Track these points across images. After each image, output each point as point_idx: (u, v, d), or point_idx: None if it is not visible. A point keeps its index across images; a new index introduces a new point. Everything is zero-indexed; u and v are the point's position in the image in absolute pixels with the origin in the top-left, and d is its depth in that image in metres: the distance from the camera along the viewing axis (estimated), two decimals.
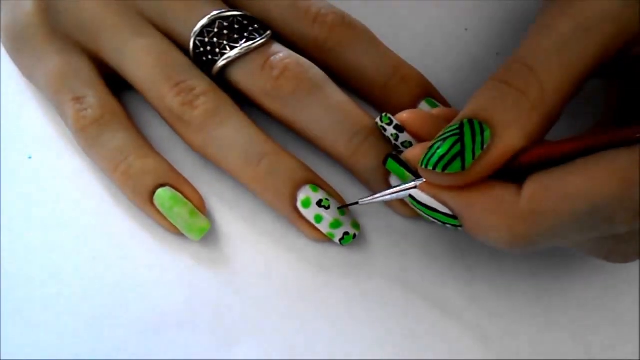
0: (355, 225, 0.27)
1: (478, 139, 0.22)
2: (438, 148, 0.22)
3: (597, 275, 0.27)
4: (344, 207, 0.27)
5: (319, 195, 0.27)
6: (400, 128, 0.26)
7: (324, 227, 0.27)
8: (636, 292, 0.27)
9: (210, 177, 0.29)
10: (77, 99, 0.28)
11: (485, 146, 0.21)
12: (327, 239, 0.27)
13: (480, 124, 0.22)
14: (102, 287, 0.26)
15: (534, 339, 0.26)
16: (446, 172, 0.22)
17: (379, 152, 0.27)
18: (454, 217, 0.23)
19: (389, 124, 0.26)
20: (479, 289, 0.27)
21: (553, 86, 0.22)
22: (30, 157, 0.29)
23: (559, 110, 0.22)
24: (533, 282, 0.27)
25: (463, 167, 0.22)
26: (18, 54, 0.30)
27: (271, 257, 0.27)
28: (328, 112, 0.27)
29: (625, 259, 0.24)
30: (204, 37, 0.28)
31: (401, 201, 0.28)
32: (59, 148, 0.29)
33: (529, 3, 0.36)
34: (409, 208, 0.28)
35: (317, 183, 0.27)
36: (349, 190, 0.28)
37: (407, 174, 0.25)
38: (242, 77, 0.28)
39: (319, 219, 0.27)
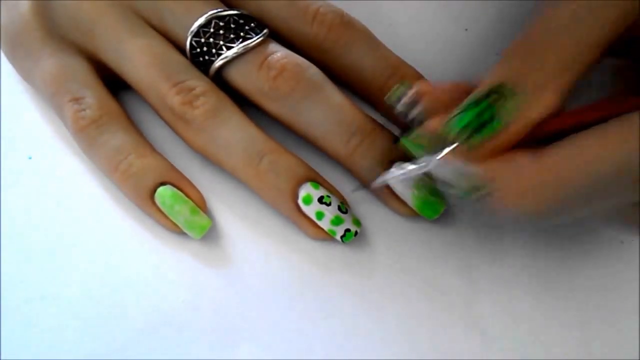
0: (357, 222, 0.27)
1: (510, 101, 0.21)
2: (466, 111, 0.22)
3: (598, 275, 0.27)
4: (356, 191, 0.27)
5: (320, 192, 0.27)
6: (412, 104, 0.25)
7: (325, 224, 0.27)
8: (636, 292, 0.27)
9: (211, 177, 0.29)
10: (76, 100, 0.28)
11: (517, 109, 0.21)
12: (328, 236, 0.27)
13: (512, 87, 0.22)
14: (102, 287, 0.26)
15: (534, 339, 0.26)
16: (479, 135, 0.22)
17: (377, 152, 0.27)
18: (469, 190, 0.23)
19: (402, 97, 0.25)
20: (480, 288, 0.27)
21: (575, 50, 0.22)
22: (30, 157, 0.29)
23: (584, 73, 0.22)
24: (534, 282, 0.27)
25: (495, 131, 0.22)
26: (15, 56, 0.30)
27: (272, 257, 0.27)
28: (326, 112, 0.27)
29: None
30: (201, 38, 0.28)
31: (401, 201, 0.28)
32: (59, 148, 0.29)
33: (528, 3, 0.36)
34: (409, 208, 0.28)
35: (318, 181, 0.27)
36: (349, 190, 0.28)
37: (421, 151, 0.25)
38: (239, 77, 0.28)
39: (320, 215, 0.27)
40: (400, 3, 0.33)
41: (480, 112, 0.22)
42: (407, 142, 0.25)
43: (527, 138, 0.22)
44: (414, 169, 0.24)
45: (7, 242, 0.27)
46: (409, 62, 0.30)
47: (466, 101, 0.22)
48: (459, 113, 0.22)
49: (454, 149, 0.23)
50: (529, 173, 0.21)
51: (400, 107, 0.25)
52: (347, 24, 0.29)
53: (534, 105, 0.21)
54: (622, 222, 0.24)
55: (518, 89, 0.22)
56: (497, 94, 0.22)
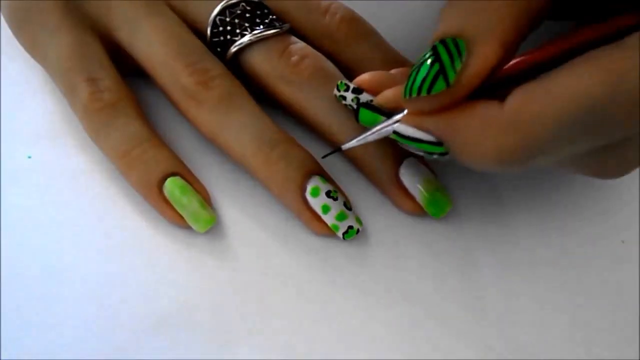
0: (359, 221, 0.27)
1: (454, 53, 0.21)
2: (417, 73, 0.22)
3: (598, 275, 0.27)
4: (327, 156, 0.27)
5: (328, 186, 0.27)
6: (358, 90, 0.26)
7: (329, 219, 0.27)
8: (636, 292, 0.27)
9: (215, 177, 0.29)
10: (93, 80, 0.28)
11: (463, 59, 0.21)
12: (330, 232, 0.27)
13: (454, 40, 0.21)
14: (102, 287, 0.26)
15: (534, 340, 0.26)
16: (432, 93, 0.21)
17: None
18: (440, 144, 0.22)
19: (347, 90, 0.27)
20: (479, 289, 0.27)
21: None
22: (30, 157, 0.29)
23: (527, 20, 0.21)
24: (533, 283, 0.27)
25: (447, 84, 0.21)
26: (23, 27, 0.29)
27: (273, 258, 0.27)
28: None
29: (621, 171, 0.22)
30: (225, 17, 0.28)
31: (408, 197, 0.28)
32: (59, 148, 0.29)
33: None
34: (415, 204, 0.28)
35: (326, 177, 0.27)
36: (351, 190, 0.28)
37: (382, 117, 0.25)
38: (259, 60, 0.28)
39: (326, 209, 0.27)
40: (400, 4, 0.33)
41: (430, 66, 0.21)
42: (365, 115, 0.25)
43: (487, 83, 0.21)
44: (380, 129, 0.24)
45: (7, 242, 0.27)
46: (412, 62, 0.30)
47: (417, 61, 0.22)
48: (412, 72, 0.22)
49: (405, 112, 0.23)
50: (491, 121, 0.21)
51: (348, 100, 0.26)
52: (357, 20, 0.30)
53: (474, 56, 0.21)
54: (578, 172, 0.23)
55: (460, 37, 0.21)
56: (444, 45, 0.21)
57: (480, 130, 0.21)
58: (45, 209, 0.28)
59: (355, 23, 0.30)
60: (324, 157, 0.27)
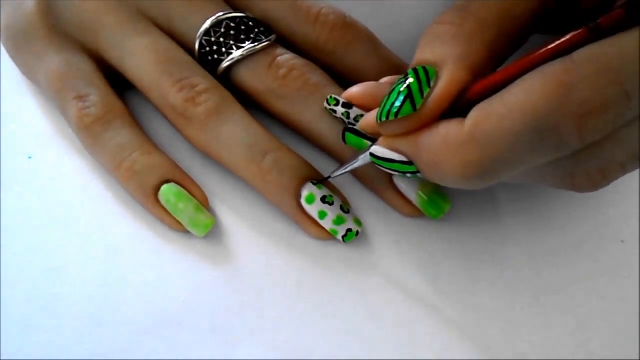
0: (358, 222, 0.27)
1: (423, 78, 0.22)
2: (388, 99, 0.23)
3: (597, 275, 0.28)
4: (320, 182, 0.27)
5: (323, 191, 0.27)
6: (348, 105, 0.27)
7: (327, 224, 0.27)
8: (636, 292, 0.27)
9: (212, 177, 0.29)
10: (80, 97, 0.28)
11: (432, 84, 0.22)
12: (329, 236, 0.27)
13: (424, 67, 0.22)
14: (102, 287, 0.26)
15: (534, 340, 0.26)
16: (399, 117, 0.22)
17: None
18: (410, 163, 0.23)
19: (337, 104, 0.27)
20: (478, 288, 0.27)
21: (490, 18, 0.22)
22: (30, 157, 0.29)
23: (502, 44, 0.23)
24: (533, 283, 0.27)
25: (414, 108, 0.22)
26: (19, 54, 0.30)
27: (272, 257, 0.27)
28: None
29: (592, 183, 0.22)
30: (211, 37, 0.28)
31: (405, 200, 0.28)
32: (59, 148, 0.29)
33: None
34: (413, 207, 0.28)
35: (320, 181, 0.27)
36: (350, 190, 0.28)
37: (366, 142, 0.26)
38: (248, 76, 0.28)
39: (322, 215, 0.27)
40: (401, 3, 0.33)
41: (399, 91, 0.22)
42: (351, 139, 0.26)
43: (455, 106, 0.22)
44: (363, 157, 0.25)
45: (7, 242, 0.27)
46: (409, 63, 0.30)
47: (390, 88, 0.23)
48: (384, 98, 0.23)
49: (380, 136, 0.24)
50: (454, 138, 0.21)
51: (338, 114, 0.27)
52: (349, 25, 0.29)
53: (441, 81, 0.22)
54: (552, 185, 0.23)
55: (430, 64, 0.22)
56: (414, 72, 0.22)
57: (443, 148, 0.22)
58: (45, 209, 0.28)
59: (346, 30, 0.29)
60: (315, 183, 0.27)
